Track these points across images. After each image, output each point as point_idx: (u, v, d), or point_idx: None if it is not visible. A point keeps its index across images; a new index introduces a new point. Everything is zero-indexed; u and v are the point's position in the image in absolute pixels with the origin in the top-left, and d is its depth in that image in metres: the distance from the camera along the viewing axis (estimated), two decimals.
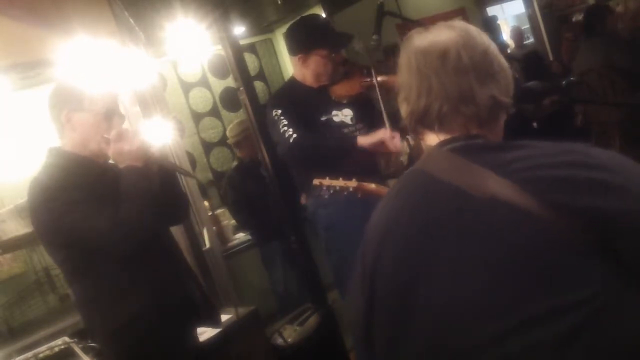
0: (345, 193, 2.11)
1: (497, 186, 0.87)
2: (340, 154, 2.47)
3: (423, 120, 1.03)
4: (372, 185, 2.11)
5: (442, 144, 1.01)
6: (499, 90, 1.00)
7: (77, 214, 1.69)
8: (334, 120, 2.65)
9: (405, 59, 1.05)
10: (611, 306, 0.80)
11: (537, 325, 0.81)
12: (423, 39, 1.03)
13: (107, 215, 1.68)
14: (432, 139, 1.04)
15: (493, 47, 1.02)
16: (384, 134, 2.45)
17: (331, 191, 2.12)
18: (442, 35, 1.01)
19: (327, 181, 2.14)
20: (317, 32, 2.67)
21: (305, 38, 2.66)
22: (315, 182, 2.16)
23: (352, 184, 2.10)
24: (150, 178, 1.79)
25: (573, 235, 0.82)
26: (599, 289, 0.81)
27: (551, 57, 6.26)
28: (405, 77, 1.04)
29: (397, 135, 2.45)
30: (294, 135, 2.47)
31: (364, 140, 2.48)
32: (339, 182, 2.11)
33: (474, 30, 1.03)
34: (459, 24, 1.05)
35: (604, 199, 0.83)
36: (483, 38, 1.02)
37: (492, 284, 0.85)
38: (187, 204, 2.20)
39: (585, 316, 0.79)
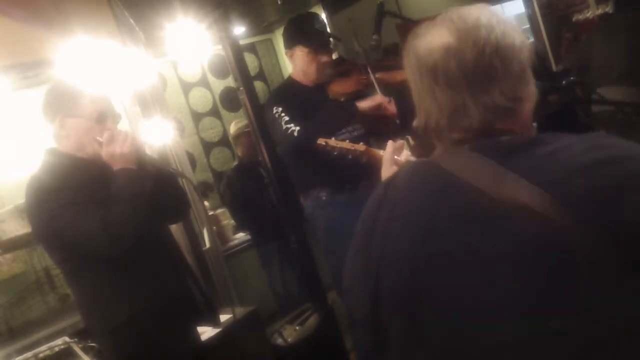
0: (350, 156, 2.04)
1: (519, 190, 0.82)
2: (345, 119, 2.61)
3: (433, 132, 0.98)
4: (381, 152, 2.05)
5: (465, 139, 0.94)
6: (502, 91, 0.91)
7: (67, 217, 1.68)
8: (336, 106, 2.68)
9: (407, 66, 1.00)
10: (633, 322, 0.78)
11: (552, 339, 0.79)
12: (420, 44, 0.97)
13: (96, 219, 1.67)
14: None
15: (494, 39, 0.91)
16: (381, 98, 2.59)
17: (335, 152, 2.07)
18: (435, 40, 0.95)
19: (332, 141, 2.07)
20: (300, 29, 2.73)
21: (290, 34, 2.75)
22: (321, 141, 2.09)
23: (360, 147, 2.03)
24: (143, 180, 1.79)
25: (600, 249, 0.78)
26: (622, 304, 0.78)
27: (551, 57, 6.25)
28: (412, 84, 0.99)
29: (392, 100, 2.60)
30: (297, 128, 2.48)
31: (364, 104, 2.59)
32: (346, 144, 2.06)
33: (473, 23, 0.93)
34: (459, 15, 0.96)
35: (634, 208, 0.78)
36: (480, 33, 0.92)
37: (507, 293, 0.83)
38: (187, 203, 2.19)
39: (607, 331, 0.78)
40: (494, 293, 0.84)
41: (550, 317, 0.80)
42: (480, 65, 0.91)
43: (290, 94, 2.69)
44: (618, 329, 0.78)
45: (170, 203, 2.00)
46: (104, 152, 1.78)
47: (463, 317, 0.87)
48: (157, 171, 1.91)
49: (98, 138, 1.79)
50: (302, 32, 2.71)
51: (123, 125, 2.00)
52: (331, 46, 2.81)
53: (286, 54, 2.79)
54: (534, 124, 1.01)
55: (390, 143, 1.49)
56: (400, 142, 1.52)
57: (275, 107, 2.58)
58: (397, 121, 2.61)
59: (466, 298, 0.87)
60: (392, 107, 2.60)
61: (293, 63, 2.77)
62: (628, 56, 3.27)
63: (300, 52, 2.68)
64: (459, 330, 0.87)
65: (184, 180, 2.82)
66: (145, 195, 1.77)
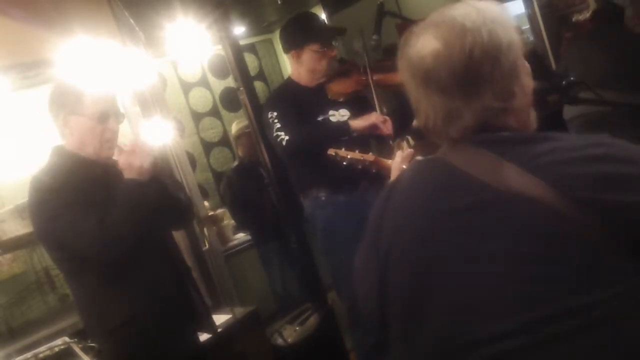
0: (360, 166, 2.07)
1: (523, 181, 0.85)
2: (335, 138, 2.46)
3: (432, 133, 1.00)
4: (390, 162, 2.08)
5: (464, 137, 0.95)
6: (494, 92, 0.92)
7: (66, 218, 1.69)
8: (330, 121, 2.66)
9: (402, 72, 1.01)
10: (633, 306, 0.80)
11: (553, 322, 0.80)
12: (411, 51, 0.97)
13: (94, 221, 1.67)
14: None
15: (480, 41, 0.91)
16: (376, 117, 2.53)
17: (345, 162, 2.09)
18: (424, 46, 0.95)
19: (342, 152, 2.10)
20: (309, 27, 2.69)
21: (298, 34, 2.68)
22: (330, 151, 2.13)
23: (370, 157, 2.07)
24: (148, 189, 1.78)
25: (600, 234, 0.81)
26: (623, 288, 0.80)
27: (551, 57, 6.25)
28: (408, 88, 1.01)
29: (389, 120, 2.53)
30: (286, 138, 2.48)
31: (357, 123, 2.55)
32: (356, 154, 2.08)
33: (458, 28, 0.93)
34: (443, 19, 0.95)
35: (635, 194, 0.81)
36: (466, 38, 0.91)
37: (511, 280, 0.84)
38: (190, 211, 2.19)
39: (606, 314, 0.79)
40: (494, 291, 0.85)
41: (556, 306, 0.81)
42: (470, 70, 0.92)
43: (288, 96, 2.67)
44: (626, 310, 0.80)
45: (175, 213, 2.00)
46: (122, 160, 1.78)
47: (462, 317, 0.88)
48: (164, 182, 1.91)
49: (120, 145, 1.81)
50: (312, 30, 2.66)
51: (123, 126, 1.99)
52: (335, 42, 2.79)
53: (291, 55, 2.69)
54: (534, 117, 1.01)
55: (398, 153, 1.51)
56: (409, 151, 1.53)
57: (270, 112, 2.57)
58: (391, 142, 2.53)
59: (465, 298, 0.88)
60: (387, 127, 2.52)
61: (299, 63, 2.68)
62: (618, 60, 3.28)
63: (311, 50, 2.62)
64: (458, 330, 0.88)
65: (187, 181, 2.82)
66: (147, 203, 1.76)
